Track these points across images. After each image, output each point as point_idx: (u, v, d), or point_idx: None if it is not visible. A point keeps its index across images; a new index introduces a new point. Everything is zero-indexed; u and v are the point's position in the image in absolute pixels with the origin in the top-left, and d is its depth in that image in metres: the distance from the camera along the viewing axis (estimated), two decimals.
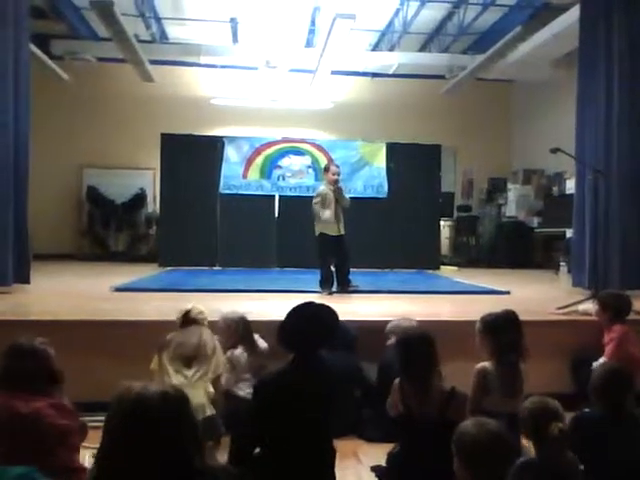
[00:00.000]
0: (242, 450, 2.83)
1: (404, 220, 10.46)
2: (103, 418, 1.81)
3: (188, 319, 3.90)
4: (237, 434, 3.03)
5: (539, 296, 6.98)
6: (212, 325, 4.05)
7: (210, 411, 3.57)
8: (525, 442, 2.66)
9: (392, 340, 4.13)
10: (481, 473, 2.06)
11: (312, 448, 2.72)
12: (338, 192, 6.96)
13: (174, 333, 3.81)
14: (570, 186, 9.78)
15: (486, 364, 3.38)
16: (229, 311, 4.33)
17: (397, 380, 3.11)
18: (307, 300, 3.03)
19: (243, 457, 2.80)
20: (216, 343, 3.86)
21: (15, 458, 2.27)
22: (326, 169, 7.31)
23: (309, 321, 2.87)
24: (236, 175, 10.53)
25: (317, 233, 6.93)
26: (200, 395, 3.55)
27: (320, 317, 2.91)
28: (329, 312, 2.95)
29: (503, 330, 3.39)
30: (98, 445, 1.78)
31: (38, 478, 1.85)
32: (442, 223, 11.92)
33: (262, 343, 4.23)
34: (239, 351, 4.15)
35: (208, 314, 4.08)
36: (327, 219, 6.84)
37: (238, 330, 4.20)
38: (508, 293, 6.82)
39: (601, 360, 4.17)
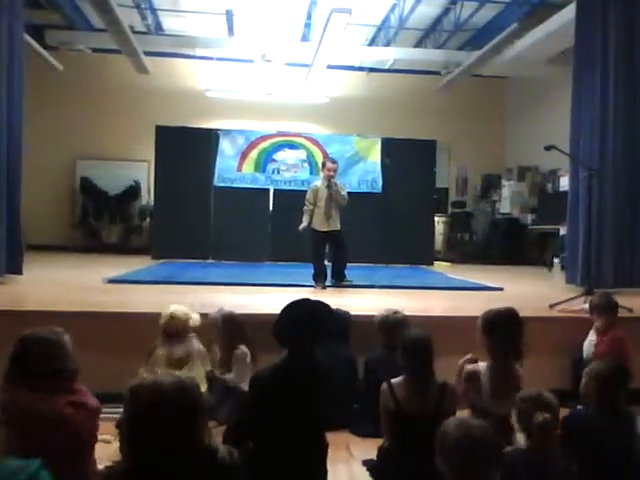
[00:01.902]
0: (235, 443, 2.84)
1: (398, 215, 10.46)
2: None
3: (175, 329, 3.89)
4: (230, 427, 3.03)
5: (532, 293, 7.01)
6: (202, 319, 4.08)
7: None
8: (519, 436, 2.66)
9: (379, 333, 4.15)
10: (463, 474, 2.05)
11: (305, 442, 2.73)
12: (332, 188, 6.96)
13: (160, 343, 3.83)
14: (564, 183, 9.82)
15: (478, 365, 3.37)
16: (215, 310, 4.29)
17: (385, 384, 3.12)
18: (301, 296, 3.03)
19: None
20: (201, 348, 3.93)
21: (35, 454, 2.25)
22: (323, 165, 7.31)
23: (304, 318, 2.85)
24: (231, 168, 10.52)
25: (302, 226, 6.95)
26: None
27: (315, 314, 2.90)
28: (323, 309, 2.94)
29: (499, 328, 3.37)
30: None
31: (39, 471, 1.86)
32: (436, 219, 11.94)
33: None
34: (243, 349, 4.12)
35: (196, 309, 4.10)
36: (313, 218, 6.90)
37: (224, 327, 4.16)
38: (501, 289, 6.83)
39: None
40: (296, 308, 2.89)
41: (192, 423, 1.78)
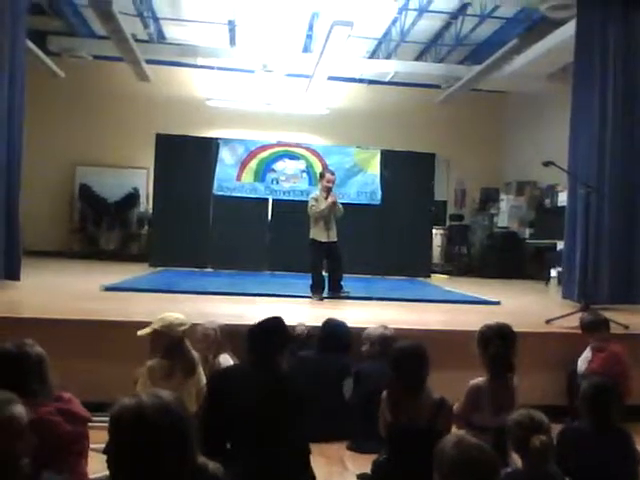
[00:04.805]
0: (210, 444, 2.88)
1: (397, 227, 10.48)
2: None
3: (173, 339, 3.64)
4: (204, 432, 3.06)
5: (529, 307, 7.01)
6: (193, 329, 4.00)
7: None
8: (514, 455, 2.66)
9: (367, 346, 4.16)
10: None
11: (270, 444, 2.77)
12: (332, 200, 6.95)
13: (157, 354, 3.64)
14: (562, 198, 9.82)
15: (479, 381, 3.37)
16: (207, 321, 4.30)
17: (385, 392, 3.12)
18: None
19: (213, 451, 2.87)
20: (198, 358, 3.79)
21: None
22: (321, 176, 7.32)
23: (265, 331, 3.18)
24: (230, 177, 10.54)
25: (309, 237, 6.96)
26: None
27: (274, 329, 3.21)
28: (281, 325, 3.25)
29: (492, 343, 3.38)
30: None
31: None
32: (434, 231, 11.96)
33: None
34: (225, 357, 4.13)
35: (194, 319, 4.04)
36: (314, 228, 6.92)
37: (217, 338, 4.19)
38: (498, 303, 6.84)
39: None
40: (262, 324, 3.24)
41: (179, 445, 1.71)
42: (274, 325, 3.23)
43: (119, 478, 1.71)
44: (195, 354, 3.78)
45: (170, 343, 3.63)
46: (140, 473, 1.67)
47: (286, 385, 3.00)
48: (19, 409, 1.94)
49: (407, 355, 3.16)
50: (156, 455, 1.67)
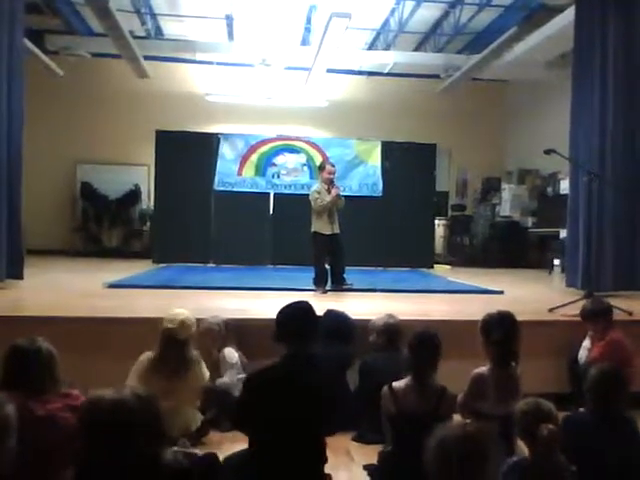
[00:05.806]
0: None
1: (398, 219, 10.46)
2: None
3: (179, 335, 3.68)
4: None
5: (533, 296, 7.01)
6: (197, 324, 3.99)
7: (195, 425, 3.67)
8: (521, 443, 2.67)
9: (373, 337, 4.16)
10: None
11: (299, 445, 2.73)
12: (336, 191, 6.94)
13: (152, 353, 3.68)
14: (564, 186, 9.82)
15: (482, 369, 3.37)
16: (210, 316, 4.33)
17: (386, 387, 3.12)
18: (296, 299, 3.16)
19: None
20: (199, 356, 3.82)
21: (29, 459, 2.25)
22: (321, 168, 7.31)
23: (301, 317, 3.05)
24: (231, 172, 10.53)
25: (312, 230, 6.95)
26: (189, 410, 3.65)
27: (310, 313, 3.08)
28: (313, 309, 3.10)
29: (494, 331, 3.38)
30: None
31: None
32: (436, 222, 11.95)
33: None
34: (229, 350, 4.16)
35: (197, 314, 4.04)
36: (318, 222, 6.91)
37: (221, 333, 4.23)
38: (502, 293, 6.83)
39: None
40: (293, 308, 3.07)
41: (128, 439, 1.84)
42: (306, 312, 3.06)
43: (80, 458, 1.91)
44: (195, 352, 3.79)
45: (173, 341, 3.67)
46: (92, 460, 1.86)
47: (321, 384, 2.93)
48: (11, 409, 2.00)
49: (422, 342, 3.15)
50: (104, 444, 1.85)
